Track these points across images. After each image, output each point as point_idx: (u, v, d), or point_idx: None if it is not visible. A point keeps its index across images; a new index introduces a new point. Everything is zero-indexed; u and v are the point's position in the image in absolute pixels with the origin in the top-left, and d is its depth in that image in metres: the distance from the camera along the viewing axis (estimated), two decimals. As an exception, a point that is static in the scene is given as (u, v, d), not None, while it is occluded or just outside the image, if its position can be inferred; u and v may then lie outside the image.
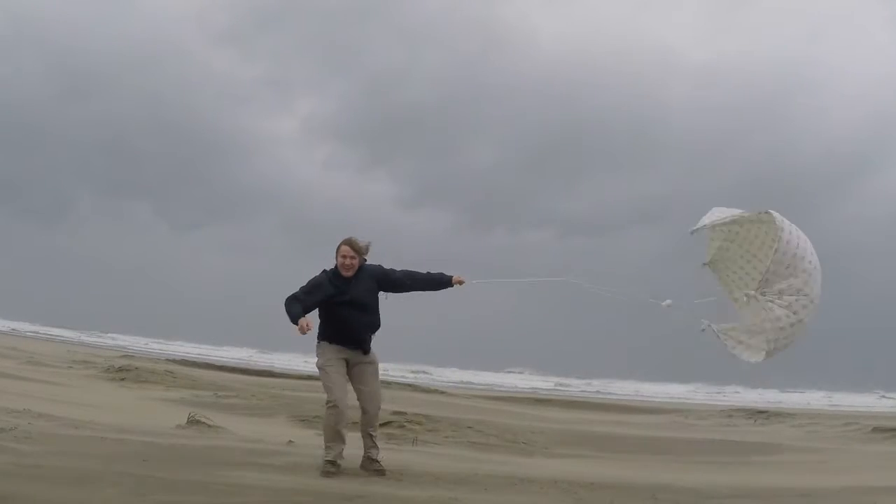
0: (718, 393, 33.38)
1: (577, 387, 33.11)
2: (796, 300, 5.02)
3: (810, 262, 5.09)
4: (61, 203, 67.61)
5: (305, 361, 29.21)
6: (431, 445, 8.48)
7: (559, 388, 32.33)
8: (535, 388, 30.23)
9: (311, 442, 8.06)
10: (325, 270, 5.88)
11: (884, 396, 33.46)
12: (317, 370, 5.86)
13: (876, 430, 13.13)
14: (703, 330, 5.39)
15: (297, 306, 5.62)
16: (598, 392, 31.22)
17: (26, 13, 62.86)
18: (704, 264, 5.82)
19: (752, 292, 5.09)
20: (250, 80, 70.53)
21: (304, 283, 5.79)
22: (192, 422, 8.33)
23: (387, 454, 7.04)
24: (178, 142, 68.07)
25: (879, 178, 60.91)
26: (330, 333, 5.79)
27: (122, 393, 12.62)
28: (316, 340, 5.83)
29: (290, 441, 7.80)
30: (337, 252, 5.84)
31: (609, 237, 65.41)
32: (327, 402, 5.62)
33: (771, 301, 5.01)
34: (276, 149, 70.82)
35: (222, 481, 4.91)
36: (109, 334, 38.72)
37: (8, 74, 60.99)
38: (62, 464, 4.99)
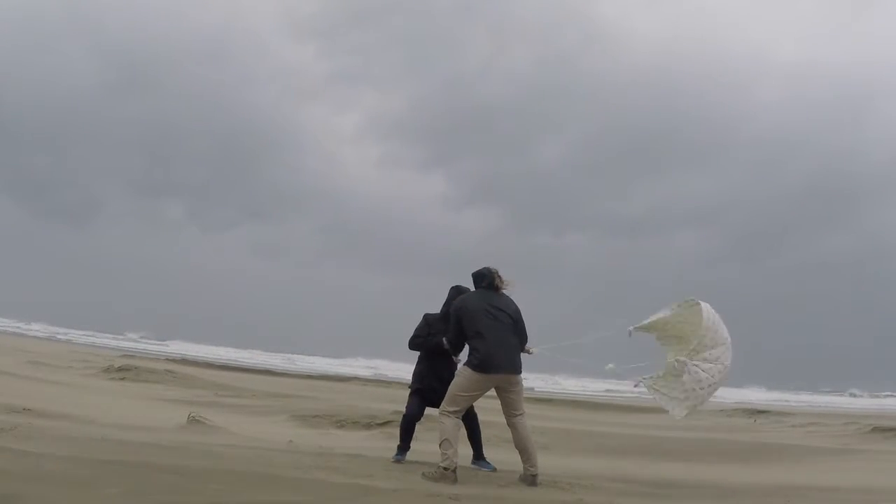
0: (721, 395, 33.36)
1: (578, 386, 33.11)
2: (715, 366, 6.04)
3: (727, 337, 6.11)
4: (91, 203, 65.78)
5: (339, 363, 29.35)
6: (431, 443, 8.49)
7: (562, 387, 32.33)
8: (532, 387, 30.25)
9: (312, 441, 8.07)
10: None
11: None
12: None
13: (876, 429, 13.14)
14: (636, 385, 6.46)
15: None
16: (598, 391, 31.20)
17: None
18: (635, 329, 6.56)
19: (683, 358, 6.05)
20: (323, 75, 67.61)
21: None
22: (192, 421, 8.34)
23: (387, 453, 7.05)
24: (228, 140, 65.38)
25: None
26: None
27: (122, 392, 12.63)
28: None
29: (291, 441, 7.81)
30: None
31: (649, 240, 64.54)
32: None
33: (697, 365, 6.03)
34: (332, 147, 68.57)
35: (222, 481, 4.92)
36: (122, 335, 38.61)
37: (56, 65, 57.29)
38: (62, 463, 4.99)
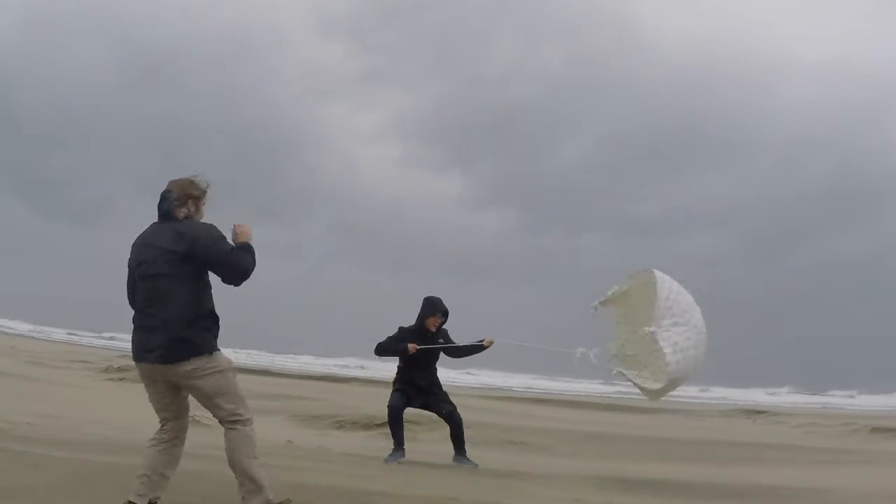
0: (720, 395, 33.37)
1: (578, 387, 33.06)
2: (688, 329, 5.48)
3: (688, 301, 5.59)
4: (101, 202, 64.64)
5: (362, 367, 29.56)
6: (430, 444, 8.49)
7: (562, 387, 32.28)
8: (531, 387, 30.26)
9: (310, 441, 8.07)
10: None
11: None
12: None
13: (875, 429, 13.13)
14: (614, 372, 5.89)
15: None
16: (597, 391, 31.21)
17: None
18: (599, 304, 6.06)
19: (652, 328, 5.48)
20: (349, 74, 66.68)
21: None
22: (191, 421, 8.31)
23: (386, 454, 7.05)
24: (244, 140, 63.49)
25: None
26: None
27: (121, 392, 12.61)
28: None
29: (289, 441, 7.81)
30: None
31: (665, 240, 63.85)
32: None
33: (668, 330, 5.46)
34: (352, 147, 67.81)
35: (221, 481, 4.91)
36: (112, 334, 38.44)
37: (72, 62, 56.50)
38: (61, 463, 4.99)
